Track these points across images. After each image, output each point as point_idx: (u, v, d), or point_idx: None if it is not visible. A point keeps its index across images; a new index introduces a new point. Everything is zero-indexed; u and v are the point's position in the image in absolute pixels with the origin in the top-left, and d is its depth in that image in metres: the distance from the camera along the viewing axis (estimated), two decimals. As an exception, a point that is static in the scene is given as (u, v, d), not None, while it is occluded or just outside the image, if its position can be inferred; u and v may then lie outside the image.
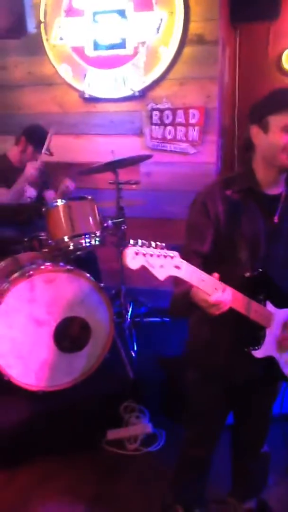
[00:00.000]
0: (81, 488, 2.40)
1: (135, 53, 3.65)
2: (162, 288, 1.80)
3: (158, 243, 1.34)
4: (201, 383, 1.85)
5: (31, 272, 2.54)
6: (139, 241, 1.31)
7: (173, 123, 3.71)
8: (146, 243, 1.32)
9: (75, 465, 2.53)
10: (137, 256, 1.29)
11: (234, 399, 1.89)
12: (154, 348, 3.13)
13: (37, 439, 2.56)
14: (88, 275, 2.71)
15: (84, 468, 2.52)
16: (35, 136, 3.38)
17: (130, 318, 3.24)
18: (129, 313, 3.29)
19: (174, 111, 3.68)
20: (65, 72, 3.83)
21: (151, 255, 1.31)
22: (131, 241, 1.30)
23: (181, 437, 1.99)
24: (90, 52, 3.72)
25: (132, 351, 3.00)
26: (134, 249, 1.29)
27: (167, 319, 3.45)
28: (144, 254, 1.29)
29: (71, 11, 3.68)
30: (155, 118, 3.74)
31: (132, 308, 3.39)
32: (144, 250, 1.30)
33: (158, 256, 1.32)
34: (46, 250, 3.06)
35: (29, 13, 3.25)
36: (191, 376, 1.89)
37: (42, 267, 2.68)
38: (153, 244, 1.33)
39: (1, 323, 2.50)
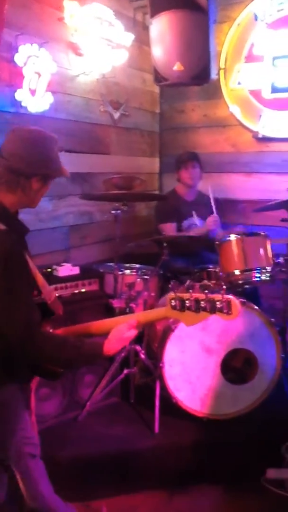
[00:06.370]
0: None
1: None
2: None
3: None
4: None
5: (206, 301, 2.66)
6: None
7: None
8: None
9: (232, 499, 2.52)
10: None
11: None
12: None
13: (198, 467, 2.63)
14: (259, 309, 2.76)
15: (242, 503, 2.50)
16: (177, 161, 3.73)
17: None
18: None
19: None
20: (240, 114, 4.00)
21: None
22: None
23: None
24: (267, 94, 3.84)
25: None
26: None
27: None
28: None
29: (251, 57, 3.88)
30: None
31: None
32: None
33: None
34: (214, 281, 3.19)
35: (213, 61, 3.49)
36: None
37: (213, 298, 2.78)
38: None
39: (174, 347, 2.65)
